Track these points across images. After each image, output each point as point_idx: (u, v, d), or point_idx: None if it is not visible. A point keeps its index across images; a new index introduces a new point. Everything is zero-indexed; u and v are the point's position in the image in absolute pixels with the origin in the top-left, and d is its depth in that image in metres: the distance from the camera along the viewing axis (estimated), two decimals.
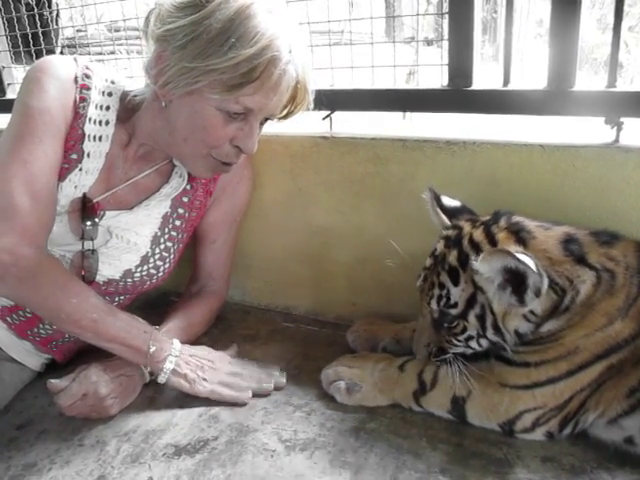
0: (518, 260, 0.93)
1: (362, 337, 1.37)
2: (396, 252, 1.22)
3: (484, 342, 1.07)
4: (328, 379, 1.20)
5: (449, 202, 1.17)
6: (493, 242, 1.02)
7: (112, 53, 1.97)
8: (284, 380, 1.24)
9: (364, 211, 1.44)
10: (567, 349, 1.02)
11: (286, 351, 1.40)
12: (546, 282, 0.95)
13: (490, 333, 1.05)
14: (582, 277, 1.01)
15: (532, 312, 1.02)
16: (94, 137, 1.19)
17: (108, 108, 1.22)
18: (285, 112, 1.19)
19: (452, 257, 1.07)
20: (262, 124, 1.18)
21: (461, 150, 1.29)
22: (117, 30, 2.41)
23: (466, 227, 1.10)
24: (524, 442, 1.05)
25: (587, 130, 1.26)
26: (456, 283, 1.05)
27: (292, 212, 1.53)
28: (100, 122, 1.19)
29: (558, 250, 1.01)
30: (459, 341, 1.09)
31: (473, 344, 1.08)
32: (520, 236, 1.01)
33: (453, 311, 1.06)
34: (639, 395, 0.99)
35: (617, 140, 1.19)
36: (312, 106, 1.22)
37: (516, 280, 0.97)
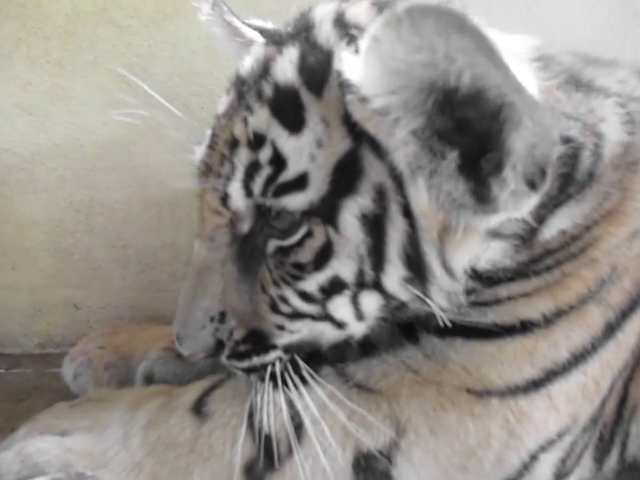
0: (490, 56, 0.36)
1: (99, 363, 0.67)
2: None
3: (372, 302, 0.46)
4: (9, 471, 0.50)
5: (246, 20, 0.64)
6: None
7: None
8: None
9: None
10: (600, 273, 0.47)
11: None
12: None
13: (395, 278, 0.44)
14: (598, 111, 0.49)
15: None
16: None
17: None
18: None
19: (286, 64, 0.45)
20: None
21: None
22: None
23: (322, 8, 0.50)
24: None
25: None
26: (297, 125, 0.44)
27: None
28: None
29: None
30: (308, 300, 0.45)
31: (342, 308, 0.45)
32: None
33: (291, 200, 0.45)
34: None
35: None
36: None
37: (476, 129, 0.40)
